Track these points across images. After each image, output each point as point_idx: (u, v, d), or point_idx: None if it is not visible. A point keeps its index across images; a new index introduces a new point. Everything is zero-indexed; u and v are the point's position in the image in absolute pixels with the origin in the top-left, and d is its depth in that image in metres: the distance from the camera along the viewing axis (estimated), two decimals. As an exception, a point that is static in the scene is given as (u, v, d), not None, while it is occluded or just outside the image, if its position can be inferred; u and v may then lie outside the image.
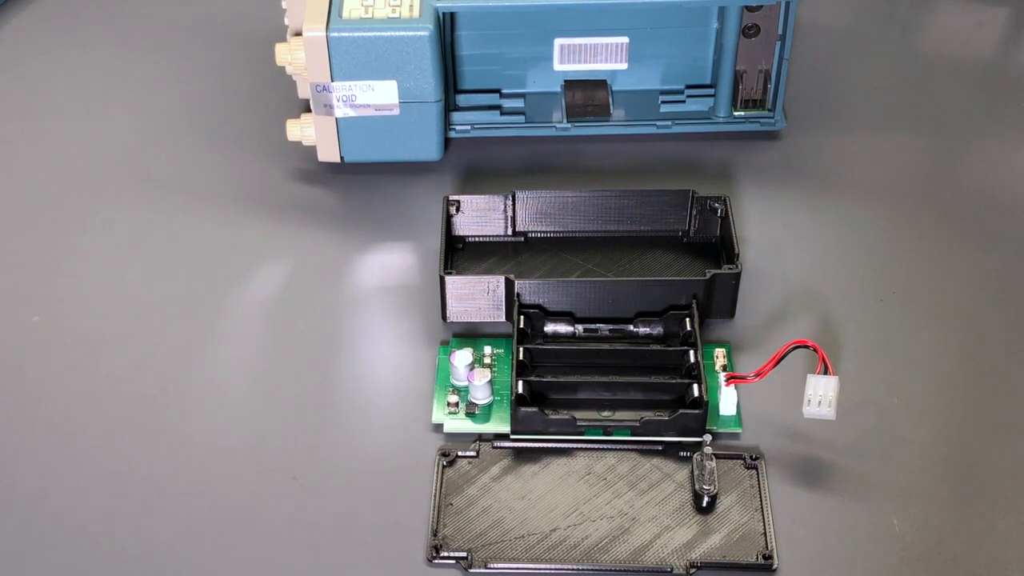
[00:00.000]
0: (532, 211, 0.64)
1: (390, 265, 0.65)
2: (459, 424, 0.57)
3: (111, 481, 0.55)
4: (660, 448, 0.56)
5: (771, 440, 0.56)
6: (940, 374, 0.59)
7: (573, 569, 0.52)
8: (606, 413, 0.57)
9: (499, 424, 0.56)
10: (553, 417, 0.56)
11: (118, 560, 0.52)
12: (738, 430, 0.56)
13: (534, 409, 0.55)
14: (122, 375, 0.59)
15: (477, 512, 0.53)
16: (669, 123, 0.71)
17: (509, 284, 0.59)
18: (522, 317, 0.59)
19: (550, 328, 0.60)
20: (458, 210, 0.63)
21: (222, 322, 0.62)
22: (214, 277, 0.65)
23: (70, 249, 0.66)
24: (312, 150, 0.69)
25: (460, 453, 0.55)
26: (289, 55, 0.65)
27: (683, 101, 0.72)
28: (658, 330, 0.60)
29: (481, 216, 0.64)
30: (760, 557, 0.52)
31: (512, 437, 0.56)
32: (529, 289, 0.59)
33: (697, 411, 0.55)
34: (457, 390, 0.58)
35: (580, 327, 0.60)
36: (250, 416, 0.58)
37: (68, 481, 0.55)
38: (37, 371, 0.60)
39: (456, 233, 0.64)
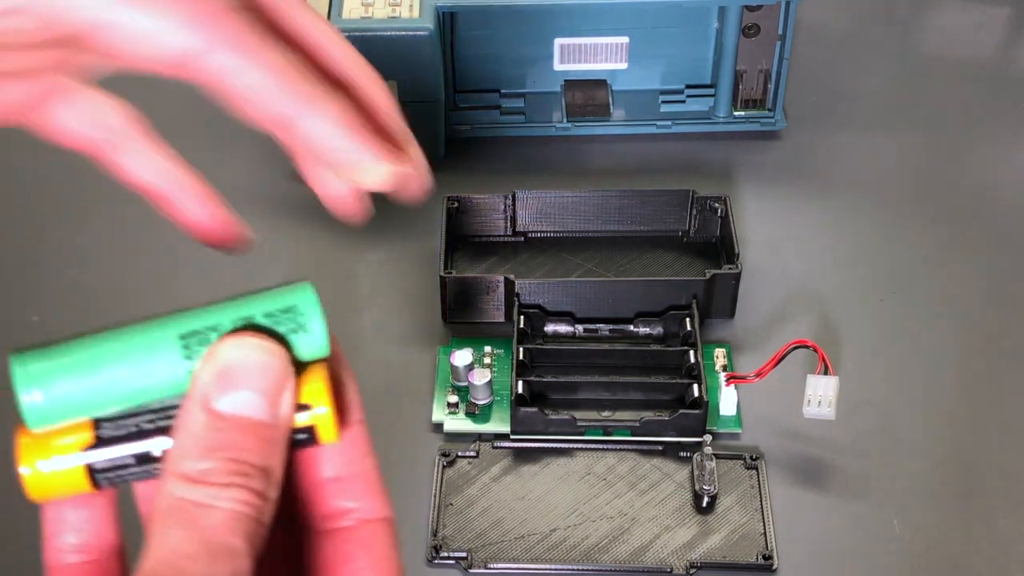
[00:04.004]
0: (532, 211, 0.64)
1: (390, 265, 0.65)
2: (459, 424, 0.57)
3: (111, 481, 0.55)
4: (660, 448, 0.55)
5: (771, 440, 0.56)
6: (940, 374, 0.59)
7: (573, 569, 0.52)
8: (606, 413, 0.56)
9: (499, 424, 0.56)
10: (553, 417, 0.55)
11: (118, 560, 0.52)
12: (738, 430, 0.56)
13: (534, 409, 0.55)
14: (122, 375, 0.59)
15: (477, 512, 0.53)
16: (669, 123, 0.71)
17: (509, 284, 0.59)
18: (522, 317, 0.59)
19: (550, 328, 0.60)
20: (458, 210, 0.63)
21: (222, 322, 0.62)
22: (214, 277, 0.64)
23: (70, 249, 0.66)
24: (312, 150, 0.69)
25: (460, 453, 0.55)
26: (289, 55, 0.65)
27: (683, 101, 0.72)
28: (658, 330, 0.60)
29: (481, 216, 0.64)
30: (760, 557, 0.52)
31: (512, 437, 0.56)
32: (529, 289, 0.59)
33: (697, 411, 0.55)
34: (457, 390, 0.58)
35: (580, 327, 0.60)
36: (250, 416, 0.58)
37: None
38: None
39: (456, 233, 0.64)
